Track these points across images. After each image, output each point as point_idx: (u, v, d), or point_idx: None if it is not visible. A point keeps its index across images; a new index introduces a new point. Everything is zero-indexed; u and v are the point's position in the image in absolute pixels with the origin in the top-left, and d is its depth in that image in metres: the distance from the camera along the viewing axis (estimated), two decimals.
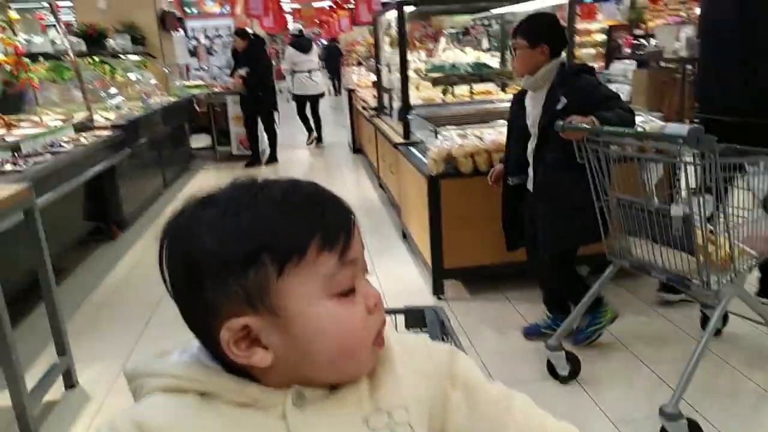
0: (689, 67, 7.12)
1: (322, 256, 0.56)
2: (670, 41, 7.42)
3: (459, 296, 3.28)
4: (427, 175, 3.07)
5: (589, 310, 2.51)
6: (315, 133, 8.69)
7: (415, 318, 1.02)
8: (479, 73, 3.99)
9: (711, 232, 2.04)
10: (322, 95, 8.59)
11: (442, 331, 0.98)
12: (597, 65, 9.87)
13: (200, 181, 6.91)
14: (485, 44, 5.62)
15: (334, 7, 17.85)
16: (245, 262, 0.55)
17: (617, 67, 8.19)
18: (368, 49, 16.90)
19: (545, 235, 2.52)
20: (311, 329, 0.57)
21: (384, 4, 5.18)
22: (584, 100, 2.30)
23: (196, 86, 8.55)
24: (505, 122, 3.36)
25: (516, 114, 2.64)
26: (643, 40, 7.74)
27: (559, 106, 2.33)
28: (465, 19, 8.46)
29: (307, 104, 8.39)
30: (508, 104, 3.95)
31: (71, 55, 4.70)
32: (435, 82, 4.17)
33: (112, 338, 3.07)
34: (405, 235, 4.14)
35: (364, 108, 6.01)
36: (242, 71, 6.83)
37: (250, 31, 7.55)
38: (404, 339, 0.71)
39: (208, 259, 0.55)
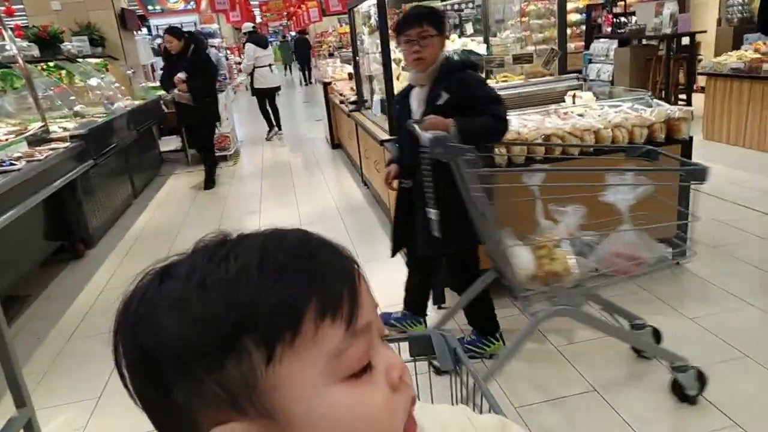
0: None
1: (323, 328, 0.43)
2: (650, 18, 7.25)
3: None
4: None
5: (482, 329, 2.52)
6: (276, 129, 8.94)
7: (422, 345, 0.87)
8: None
9: (556, 245, 1.96)
10: (279, 88, 8.95)
11: (454, 361, 0.85)
12: (574, 45, 9.78)
13: (172, 186, 6.55)
14: (469, 30, 5.34)
15: None
16: (221, 350, 0.42)
17: (598, 46, 8.02)
18: (339, 39, 16.60)
19: (423, 238, 2.38)
20: (322, 429, 0.43)
21: None
22: (464, 98, 2.21)
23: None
24: None
25: (401, 112, 2.50)
26: (623, 18, 7.54)
27: (440, 102, 2.24)
28: (437, 5, 8.26)
29: (266, 98, 8.69)
30: (499, 93, 3.74)
31: (20, 61, 4.31)
32: None
33: (81, 376, 2.76)
34: None
35: (342, 102, 5.71)
36: (182, 75, 5.75)
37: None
38: (442, 417, 0.58)
39: (172, 352, 0.42)
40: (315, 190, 5.83)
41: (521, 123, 2.91)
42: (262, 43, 8.64)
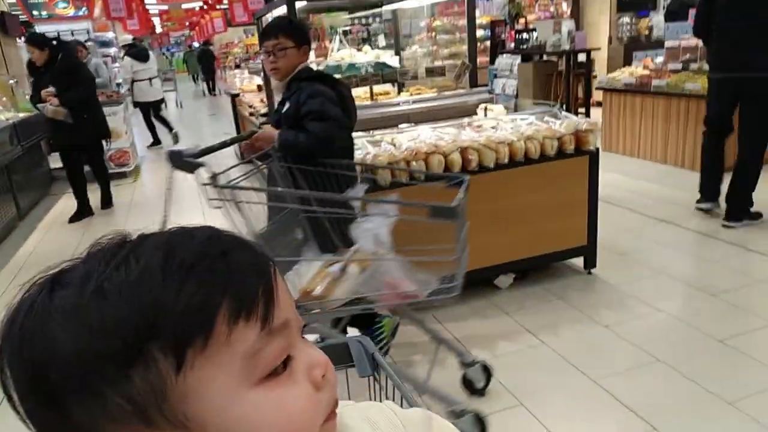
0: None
1: (236, 330, 0.40)
2: (549, 35, 7.61)
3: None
4: None
5: (361, 323, 2.40)
6: (173, 134, 8.92)
7: (339, 353, 0.84)
8: (380, 73, 3.68)
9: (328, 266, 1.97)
10: (162, 101, 8.97)
11: (372, 367, 0.85)
12: (479, 60, 10.14)
13: (65, 206, 6.02)
14: (382, 42, 5.33)
15: (206, 8, 16.93)
16: (123, 360, 0.38)
17: (502, 61, 8.30)
18: (246, 50, 16.24)
19: None
20: None
21: (268, 1, 4.72)
22: (299, 109, 2.24)
23: None
24: (413, 126, 3.17)
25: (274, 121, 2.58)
26: (525, 35, 7.88)
27: (284, 110, 2.29)
28: (344, 18, 8.26)
29: (149, 110, 8.72)
30: (412, 106, 3.74)
31: None
32: None
33: None
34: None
35: (252, 114, 5.51)
36: (51, 89, 4.89)
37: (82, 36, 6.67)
38: (368, 413, 0.57)
39: (68, 367, 0.38)
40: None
41: (438, 136, 2.88)
42: (142, 57, 8.51)
